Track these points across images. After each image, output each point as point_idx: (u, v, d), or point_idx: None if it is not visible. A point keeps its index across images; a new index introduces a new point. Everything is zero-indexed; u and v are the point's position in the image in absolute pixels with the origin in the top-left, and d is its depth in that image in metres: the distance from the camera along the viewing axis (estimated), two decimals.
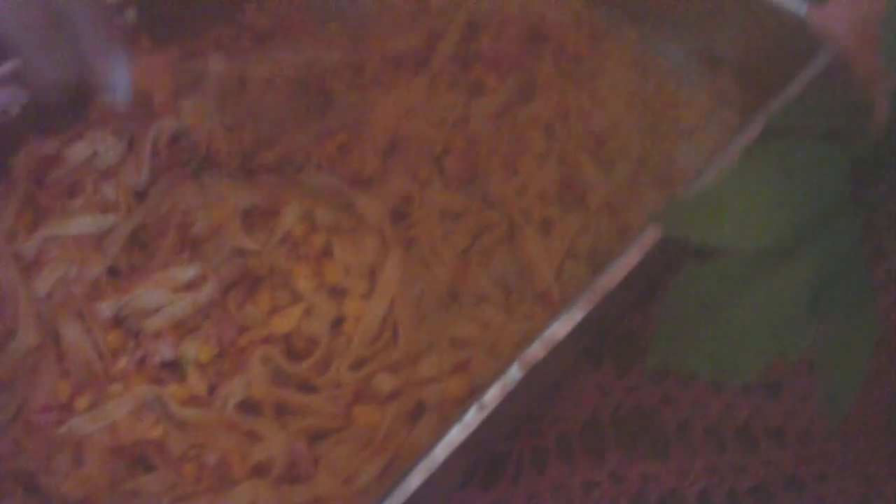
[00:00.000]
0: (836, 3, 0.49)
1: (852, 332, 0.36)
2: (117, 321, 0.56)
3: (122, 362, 0.54)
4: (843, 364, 0.37)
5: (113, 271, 0.58)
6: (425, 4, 0.69)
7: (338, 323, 0.54)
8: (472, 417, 0.48)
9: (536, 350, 0.50)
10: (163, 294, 0.56)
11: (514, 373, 0.49)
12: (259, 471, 0.51)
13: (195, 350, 0.53)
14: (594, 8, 0.71)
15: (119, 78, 0.49)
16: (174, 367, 0.54)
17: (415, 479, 0.46)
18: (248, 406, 0.53)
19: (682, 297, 0.40)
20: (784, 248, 0.38)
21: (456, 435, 0.47)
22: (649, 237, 0.52)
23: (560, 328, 0.50)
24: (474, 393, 0.52)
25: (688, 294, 0.40)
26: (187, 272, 0.56)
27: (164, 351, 0.55)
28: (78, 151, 0.62)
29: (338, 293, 0.54)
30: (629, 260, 0.52)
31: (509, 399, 0.49)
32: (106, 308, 0.56)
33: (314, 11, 0.70)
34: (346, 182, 0.60)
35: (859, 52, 0.47)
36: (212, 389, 0.53)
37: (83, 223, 0.58)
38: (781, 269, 0.38)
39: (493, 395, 0.48)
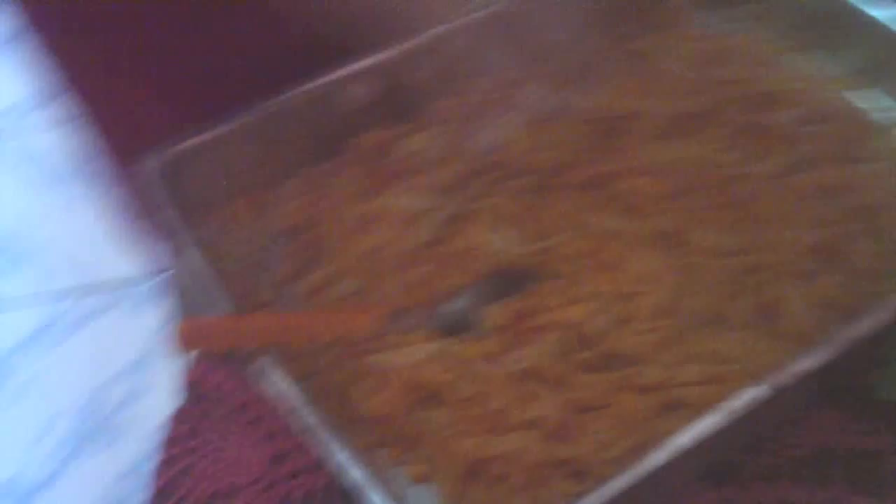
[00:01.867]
0: None
1: None
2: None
3: None
4: None
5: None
6: (710, 75, 0.78)
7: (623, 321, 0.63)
8: (720, 418, 0.56)
9: (786, 376, 0.58)
10: None
11: (763, 390, 0.57)
12: (530, 424, 0.61)
13: (498, 315, 0.64)
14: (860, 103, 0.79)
15: None
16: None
17: (659, 457, 0.54)
18: (532, 373, 0.62)
19: None
20: None
21: (703, 427, 0.56)
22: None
23: (808, 362, 0.58)
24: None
25: None
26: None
27: None
28: (413, 141, 0.74)
29: (626, 297, 0.64)
30: (879, 316, 0.60)
31: (754, 411, 0.57)
32: (423, 270, 0.67)
33: (612, 64, 0.80)
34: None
35: None
36: (504, 352, 0.63)
37: (413, 199, 0.70)
38: None
39: (741, 403, 0.56)
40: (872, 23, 0.77)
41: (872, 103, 0.78)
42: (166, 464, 0.64)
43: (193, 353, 0.70)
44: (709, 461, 0.63)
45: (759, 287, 0.66)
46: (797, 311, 0.64)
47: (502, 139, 0.73)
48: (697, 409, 0.60)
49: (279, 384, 0.59)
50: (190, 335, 0.60)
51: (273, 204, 0.75)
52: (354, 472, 0.55)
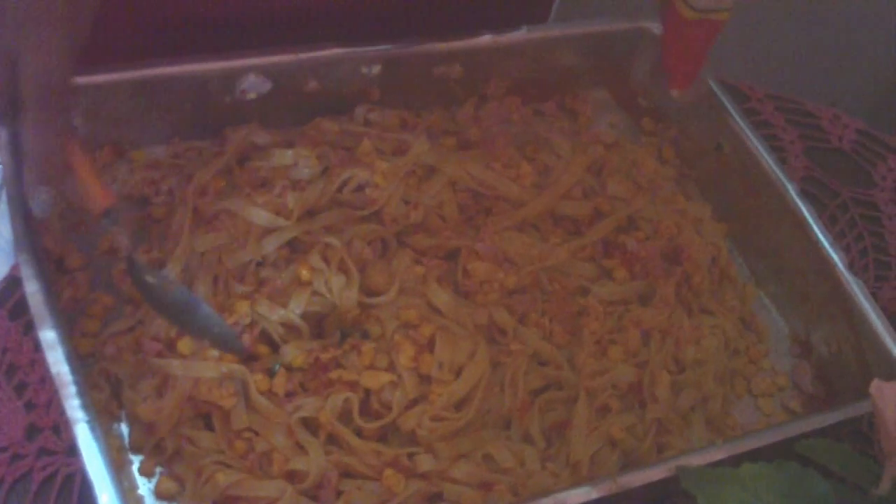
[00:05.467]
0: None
1: None
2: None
3: None
4: None
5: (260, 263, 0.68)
6: (602, 186, 0.78)
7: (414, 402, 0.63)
8: None
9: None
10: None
11: None
12: (291, 476, 0.60)
13: (293, 355, 0.63)
14: (732, 259, 0.80)
15: None
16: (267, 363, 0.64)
17: None
18: (309, 425, 0.62)
19: None
20: None
21: None
22: (671, 468, 0.61)
23: (573, 496, 0.59)
24: None
25: None
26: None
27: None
28: (283, 156, 0.72)
29: (425, 380, 0.63)
30: (651, 474, 0.61)
31: None
32: (242, 290, 0.66)
33: (516, 142, 0.79)
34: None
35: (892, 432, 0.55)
36: (289, 395, 0.62)
37: (259, 215, 0.68)
38: None
39: None
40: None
41: None
42: None
43: None
44: None
45: (553, 405, 0.66)
46: (579, 441, 0.64)
47: (370, 180, 0.72)
48: None
49: (58, 361, 0.57)
50: None
51: (131, 165, 0.73)
52: (97, 470, 0.54)
